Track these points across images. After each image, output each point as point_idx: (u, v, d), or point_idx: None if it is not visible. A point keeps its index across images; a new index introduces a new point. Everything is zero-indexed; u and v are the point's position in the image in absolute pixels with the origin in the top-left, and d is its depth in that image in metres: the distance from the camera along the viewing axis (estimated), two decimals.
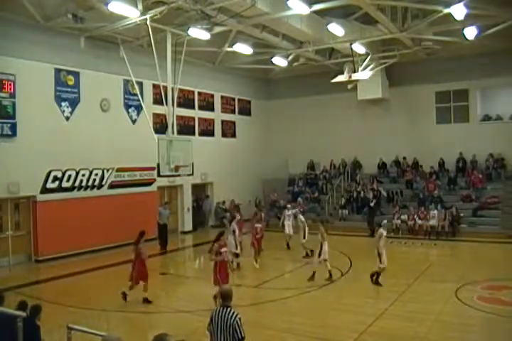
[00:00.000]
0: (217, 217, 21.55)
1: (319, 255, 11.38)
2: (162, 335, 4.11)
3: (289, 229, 15.70)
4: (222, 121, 22.44)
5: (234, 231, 12.84)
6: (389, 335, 7.81)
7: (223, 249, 9.34)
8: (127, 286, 9.89)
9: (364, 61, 18.95)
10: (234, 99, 23.28)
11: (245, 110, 24.13)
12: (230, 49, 18.49)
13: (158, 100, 16.87)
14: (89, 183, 15.86)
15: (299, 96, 23.77)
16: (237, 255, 12.68)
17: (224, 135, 22.49)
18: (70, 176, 15.24)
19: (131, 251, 10.28)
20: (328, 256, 11.40)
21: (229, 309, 5.00)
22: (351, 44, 17.41)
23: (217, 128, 22.10)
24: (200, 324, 6.30)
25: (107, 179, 16.45)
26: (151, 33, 13.49)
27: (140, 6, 13.01)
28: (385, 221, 12.00)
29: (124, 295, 9.87)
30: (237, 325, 4.84)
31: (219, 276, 9.05)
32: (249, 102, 24.33)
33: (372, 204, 19.01)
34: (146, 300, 9.85)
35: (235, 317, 4.87)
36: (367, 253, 12.32)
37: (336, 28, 15.68)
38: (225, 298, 5.13)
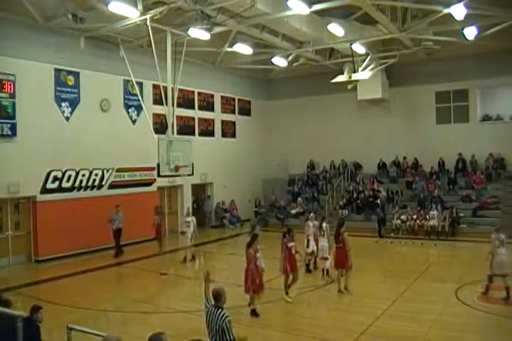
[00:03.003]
0: (218, 217, 21.60)
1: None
2: (158, 334, 4.13)
3: (312, 245, 12.32)
4: (222, 121, 22.44)
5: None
6: (389, 335, 7.81)
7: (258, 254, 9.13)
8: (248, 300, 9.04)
9: (364, 61, 18.95)
10: (234, 99, 23.28)
11: (245, 110, 24.13)
12: (229, 49, 18.48)
13: (158, 100, 16.87)
14: (89, 183, 15.87)
15: (299, 96, 23.76)
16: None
17: (224, 135, 22.49)
18: (70, 176, 15.25)
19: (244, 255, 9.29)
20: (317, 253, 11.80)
21: (220, 310, 5.05)
22: (351, 44, 17.41)
23: (217, 129, 22.11)
24: (200, 324, 6.29)
25: (107, 179, 16.45)
26: (151, 33, 13.51)
27: (140, 6, 13.01)
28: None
29: (254, 312, 8.93)
30: (226, 327, 4.89)
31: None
32: (249, 102, 24.33)
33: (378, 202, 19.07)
34: (254, 313, 8.89)
35: (225, 319, 4.92)
36: (367, 253, 12.33)
37: (336, 28, 15.68)
38: (216, 298, 5.17)
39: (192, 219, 14.56)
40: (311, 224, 12.48)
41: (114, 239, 15.05)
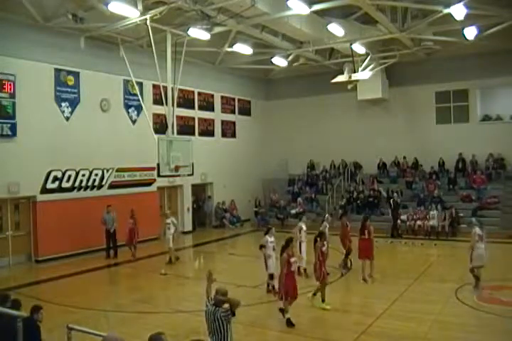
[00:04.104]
0: (217, 217, 21.61)
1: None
2: (158, 334, 4.14)
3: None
4: (222, 121, 22.44)
5: (262, 246, 10.62)
6: (389, 335, 7.81)
7: (292, 259, 8.58)
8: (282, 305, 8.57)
9: (364, 61, 18.95)
10: (234, 99, 23.28)
11: (245, 110, 24.13)
12: (230, 49, 18.49)
13: (158, 100, 16.88)
14: (89, 183, 15.87)
15: (299, 96, 23.76)
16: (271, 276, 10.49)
17: (224, 135, 22.49)
18: (70, 176, 15.25)
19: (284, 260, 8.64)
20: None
21: (217, 308, 5.11)
22: (351, 44, 17.41)
23: (217, 128, 22.11)
24: (200, 324, 6.29)
25: (107, 179, 16.46)
26: (151, 33, 13.49)
27: (140, 6, 13.01)
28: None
29: (289, 322, 8.42)
30: (224, 312, 5.03)
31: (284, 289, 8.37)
32: (249, 102, 24.34)
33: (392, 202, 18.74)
34: (289, 322, 8.32)
35: (220, 313, 5.05)
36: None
37: (336, 28, 15.67)
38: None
39: (172, 221, 14.15)
40: (327, 225, 12.58)
41: (108, 239, 14.91)
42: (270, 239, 10.56)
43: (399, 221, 18.32)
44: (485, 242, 10.44)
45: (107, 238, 14.98)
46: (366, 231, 11.52)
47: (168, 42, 14.52)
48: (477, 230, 10.52)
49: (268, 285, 10.52)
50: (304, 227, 12.16)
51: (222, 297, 5.16)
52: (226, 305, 5.09)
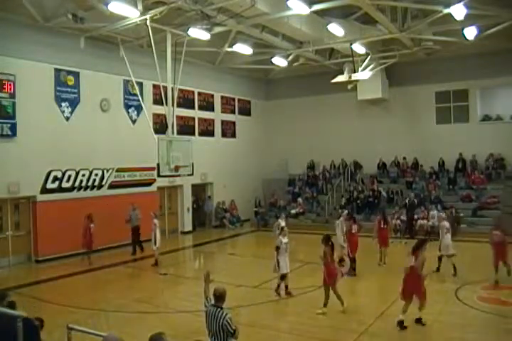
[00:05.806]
0: (217, 217, 21.61)
1: None
2: (158, 334, 4.14)
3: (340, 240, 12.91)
4: (222, 121, 22.44)
5: (278, 248, 10.31)
6: (389, 335, 7.81)
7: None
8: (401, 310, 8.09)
9: (364, 61, 18.96)
10: (234, 99, 23.28)
11: (245, 110, 24.13)
12: (230, 49, 18.49)
13: (158, 100, 16.88)
14: (89, 183, 15.87)
15: (299, 96, 23.76)
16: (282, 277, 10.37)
17: (224, 135, 22.49)
18: (70, 176, 15.26)
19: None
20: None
21: (218, 309, 5.13)
22: (351, 44, 17.41)
23: (217, 128, 22.11)
24: (200, 324, 6.29)
25: (107, 179, 16.46)
26: (150, 33, 13.50)
27: (140, 6, 13.01)
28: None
29: (401, 323, 8.00)
30: (228, 324, 5.01)
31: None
32: (249, 102, 24.34)
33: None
34: (419, 321, 8.07)
35: (225, 317, 5.03)
36: (367, 253, 12.34)
37: (336, 28, 15.68)
38: (218, 298, 5.20)
39: (155, 223, 13.67)
40: (342, 222, 13.33)
41: (134, 236, 15.32)
42: (284, 239, 10.48)
43: (398, 221, 18.29)
44: (450, 234, 11.89)
45: (133, 234, 15.31)
46: (384, 222, 13.22)
47: (168, 42, 14.53)
48: (445, 223, 11.98)
49: (278, 286, 10.31)
50: (282, 224, 12.75)
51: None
52: (233, 328, 5.01)
